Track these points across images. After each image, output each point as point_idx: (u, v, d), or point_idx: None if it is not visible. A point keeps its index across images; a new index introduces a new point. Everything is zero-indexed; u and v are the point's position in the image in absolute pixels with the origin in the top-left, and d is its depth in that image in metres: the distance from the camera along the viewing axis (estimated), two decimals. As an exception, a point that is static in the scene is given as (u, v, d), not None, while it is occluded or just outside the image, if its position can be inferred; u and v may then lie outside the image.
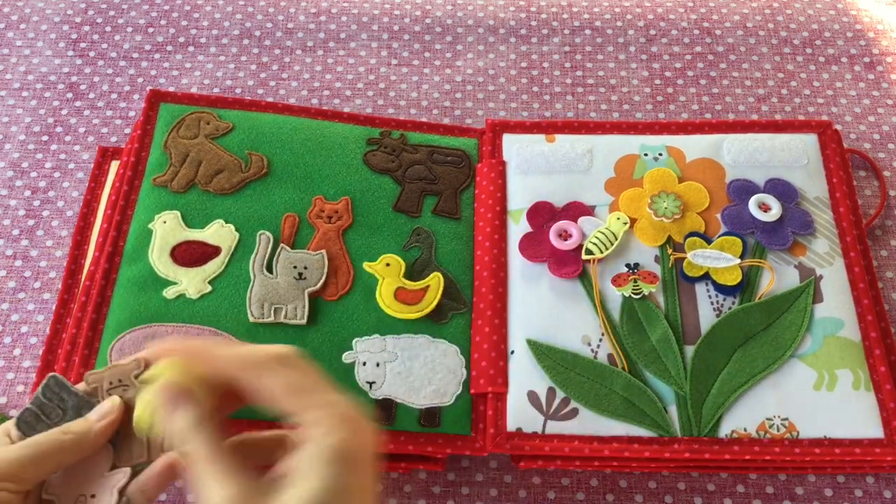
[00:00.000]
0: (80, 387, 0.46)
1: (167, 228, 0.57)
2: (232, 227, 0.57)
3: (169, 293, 0.55)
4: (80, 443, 0.43)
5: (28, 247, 0.62)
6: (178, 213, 0.58)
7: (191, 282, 0.55)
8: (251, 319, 0.54)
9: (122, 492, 0.44)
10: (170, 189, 0.59)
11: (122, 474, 0.44)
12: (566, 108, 0.70)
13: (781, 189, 0.60)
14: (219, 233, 0.57)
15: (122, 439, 0.45)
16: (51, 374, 0.46)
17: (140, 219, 0.58)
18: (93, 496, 0.44)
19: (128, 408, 0.45)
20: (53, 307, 0.58)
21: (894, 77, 0.72)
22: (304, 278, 0.56)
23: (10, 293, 0.60)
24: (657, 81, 0.71)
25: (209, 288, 0.55)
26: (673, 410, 0.52)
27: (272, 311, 0.54)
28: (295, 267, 0.56)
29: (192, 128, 0.61)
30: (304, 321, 0.54)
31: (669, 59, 0.73)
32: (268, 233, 0.57)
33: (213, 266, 0.56)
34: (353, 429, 0.37)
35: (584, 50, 0.73)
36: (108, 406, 0.44)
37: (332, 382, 0.38)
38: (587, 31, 0.74)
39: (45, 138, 0.67)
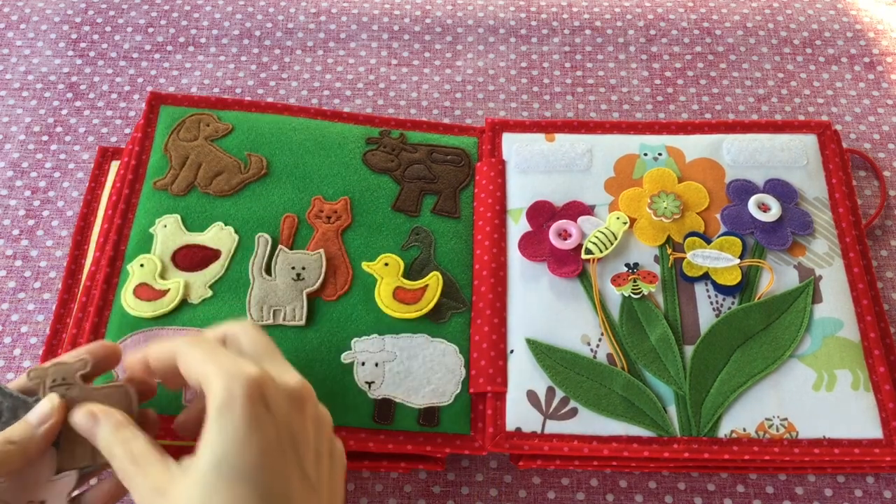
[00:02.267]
0: (13, 385, 0.45)
1: (168, 232, 0.57)
2: (231, 229, 0.57)
3: (170, 297, 0.55)
4: (25, 451, 0.41)
5: (28, 247, 0.62)
6: (179, 217, 0.58)
7: (192, 286, 0.55)
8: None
9: (72, 497, 0.43)
10: (170, 192, 0.59)
11: (70, 478, 0.43)
12: (566, 109, 0.70)
13: (781, 189, 0.60)
14: (218, 235, 0.57)
15: (64, 441, 0.44)
16: None
17: (141, 223, 0.58)
18: (42, 502, 0.43)
19: (68, 408, 0.43)
20: (53, 307, 0.58)
21: (894, 77, 0.72)
22: (303, 279, 0.56)
23: (10, 293, 0.60)
24: (657, 81, 0.71)
25: (210, 292, 0.55)
26: (672, 410, 0.52)
27: (271, 314, 0.54)
28: (293, 268, 0.56)
29: (192, 130, 0.61)
30: (302, 322, 0.54)
31: (669, 59, 0.73)
32: (266, 235, 0.57)
33: (214, 269, 0.56)
34: (237, 379, 0.36)
35: (584, 50, 0.73)
36: (48, 409, 0.43)
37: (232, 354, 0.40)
38: (587, 31, 0.74)
39: (45, 138, 0.67)
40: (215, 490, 0.34)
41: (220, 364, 0.37)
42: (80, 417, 0.41)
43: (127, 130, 0.68)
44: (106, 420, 0.41)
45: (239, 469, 0.35)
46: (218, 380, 0.36)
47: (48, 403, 0.43)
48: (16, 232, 0.63)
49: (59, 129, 0.68)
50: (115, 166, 0.63)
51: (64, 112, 0.69)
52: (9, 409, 0.44)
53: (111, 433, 0.40)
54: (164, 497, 0.36)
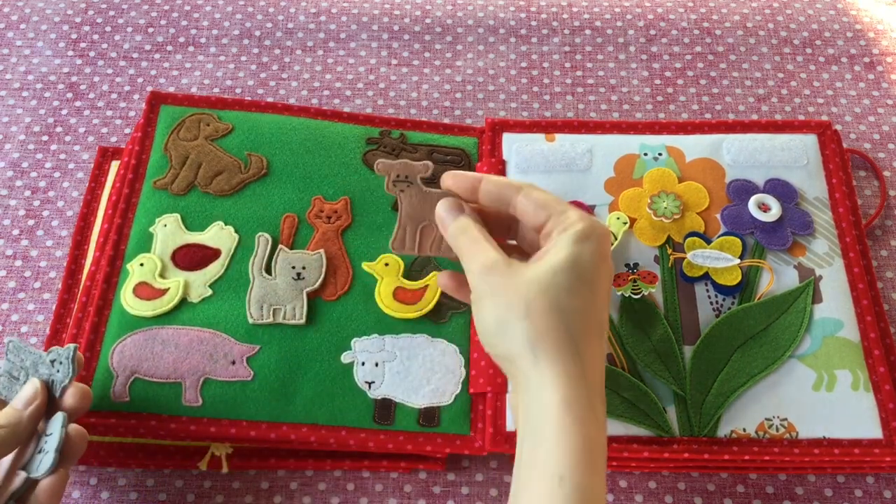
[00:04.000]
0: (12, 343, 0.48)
1: (167, 232, 0.57)
2: (231, 228, 0.58)
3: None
4: (16, 434, 0.45)
5: (28, 247, 0.62)
6: (179, 216, 0.58)
7: (191, 285, 0.55)
8: (250, 321, 0.54)
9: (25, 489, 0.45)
10: (170, 192, 0.59)
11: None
12: (566, 108, 0.70)
13: (781, 189, 0.60)
14: (219, 235, 0.57)
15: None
16: (8, 339, 0.48)
17: (141, 222, 0.58)
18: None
19: (45, 386, 0.47)
20: (53, 307, 0.58)
21: (894, 77, 0.72)
22: (303, 278, 0.56)
23: (10, 293, 0.60)
24: (657, 81, 0.71)
25: (210, 292, 0.55)
26: (672, 410, 0.52)
27: (271, 312, 0.54)
28: (293, 267, 0.56)
29: (193, 129, 0.61)
30: (302, 321, 0.54)
31: (669, 59, 0.73)
32: (266, 234, 0.57)
33: (214, 269, 0.56)
34: (596, 222, 0.45)
35: (584, 50, 0.73)
36: (31, 391, 0.46)
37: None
38: (587, 31, 0.74)
39: (45, 138, 0.67)
40: (565, 277, 0.42)
41: (576, 210, 0.45)
42: (445, 208, 0.47)
43: (127, 130, 0.68)
44: (460, 218, 0.47)
45: (585, 275, 0.43)
46: (581, 221, 0.44)
47: (31, 387, 0.46)
48: (16, 232, 0.63)
49: (59, 129, 0.68)
50: (115, 166, 0.63)
51: (64, 112, 0.69)
52: (32, 365, 0.47)
53: (457, 226, 0.47)
54: (491, 273, 0.43)
